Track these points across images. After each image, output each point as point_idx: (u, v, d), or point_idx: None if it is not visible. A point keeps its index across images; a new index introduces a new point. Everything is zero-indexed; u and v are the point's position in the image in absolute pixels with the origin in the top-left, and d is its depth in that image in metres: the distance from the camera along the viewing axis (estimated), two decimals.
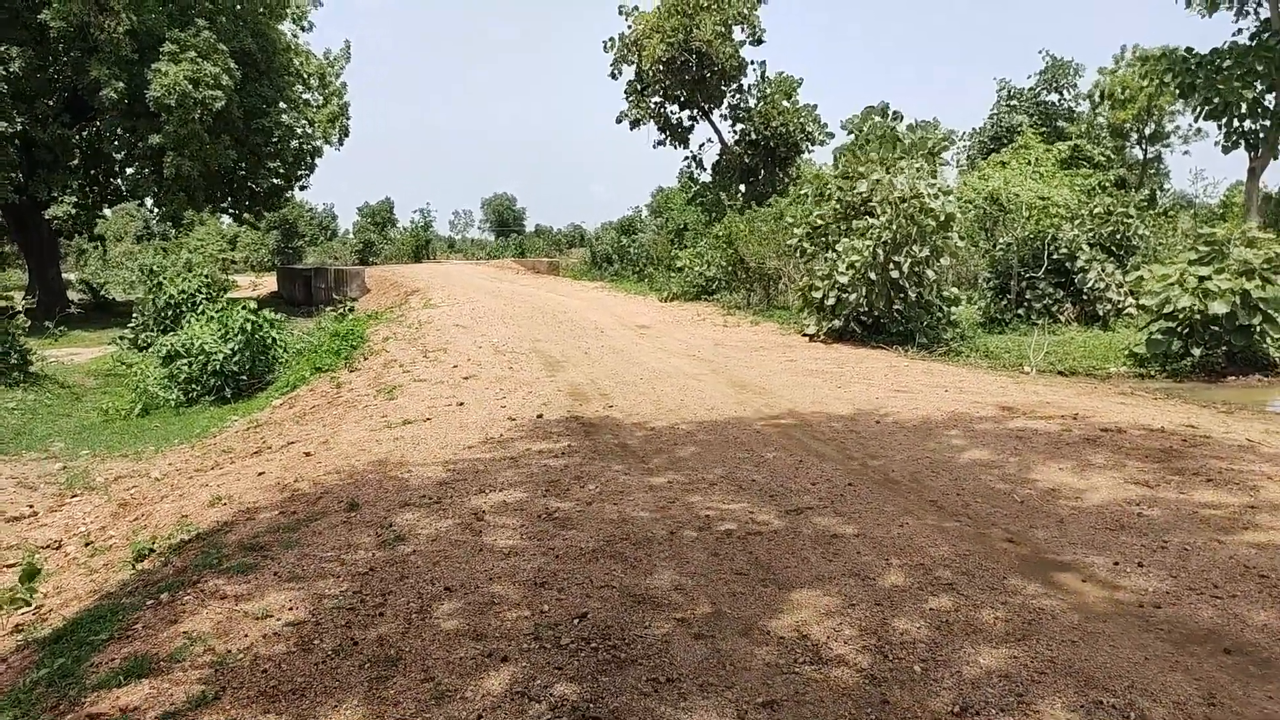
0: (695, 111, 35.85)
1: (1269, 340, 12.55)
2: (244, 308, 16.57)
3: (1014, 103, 44.48)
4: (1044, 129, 39.19)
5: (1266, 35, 21.94)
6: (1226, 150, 25.04)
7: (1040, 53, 52.91)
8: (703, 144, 37.15)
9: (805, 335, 16.52)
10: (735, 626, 4.29)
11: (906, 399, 10.31)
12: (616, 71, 35.56)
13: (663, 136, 36.54)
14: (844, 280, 15.58)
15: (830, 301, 15.91)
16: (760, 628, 4.26)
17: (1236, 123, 23.84)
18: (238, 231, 63.50)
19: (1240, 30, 25.02)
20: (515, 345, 15.43)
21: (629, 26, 34.38)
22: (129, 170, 33.10)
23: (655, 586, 4.80)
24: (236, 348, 15.53)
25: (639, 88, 35.03)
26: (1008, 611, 4.36)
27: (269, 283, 40.80)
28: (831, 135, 34.90)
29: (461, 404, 10.53)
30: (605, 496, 6.51)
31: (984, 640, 4.06)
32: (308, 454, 8.68)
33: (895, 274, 15.14)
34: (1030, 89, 44.52)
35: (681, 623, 4.34)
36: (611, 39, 35.03)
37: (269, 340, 16.36)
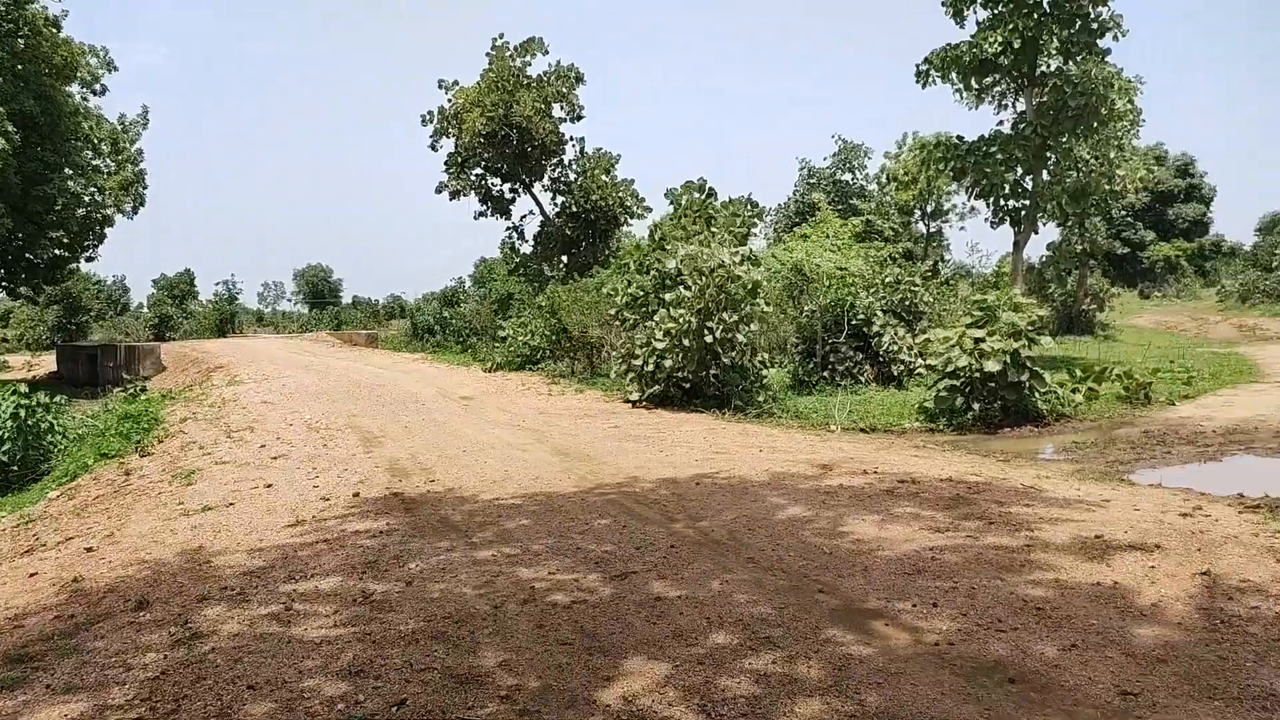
0: (516, 184, 36.30)
1: (1037, 395, 13.97)
2: (14, 391, 14.93)
3: (813, 180, 48.02)
4: (840, 205, 42.46)
5: (1023, 126, 24.94)
6: (994, 226, 28.02)
7: (834, 137, 57.67)
8: (524, 216, 37.55)
9: (628, 401, 16.81)
10: (562, 699, 4.23)
11: (725, 460, 10.67)
12: (436, 144, 35.57)
13: (484, 208, 36.69)
14: (661, 346, 16.07)
15: (650, 368, 16.33)
16: (587, 698, 4.23)
17: (1002, 202, 26.78)
18: (11, 307, 57.54)
19: (1002, 121, 28.36)
20: (329, 421, 14.76)
21: (449, 100, 34.58)
22: None
23: (479, 665, 4.67)
24: (4, 436, 13.93)
25: (459, 160, 35.14)
26: (821, 660, 4.55)
27: (48, 362, 37.03)
28: (650, 209, 36.26)
29: (270, 486, 9.91)
30: (427, 575, 6.30)
31: (801, 691, 4.21)
32: (89, 549, 7.87)
33: (709, 339, 15.78)
34: (827, 169, 48.28)
35: (506, 700, 4.24)
36: (430, 112, 35.09)
37: (44, 426, 14.79)
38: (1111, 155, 24.39)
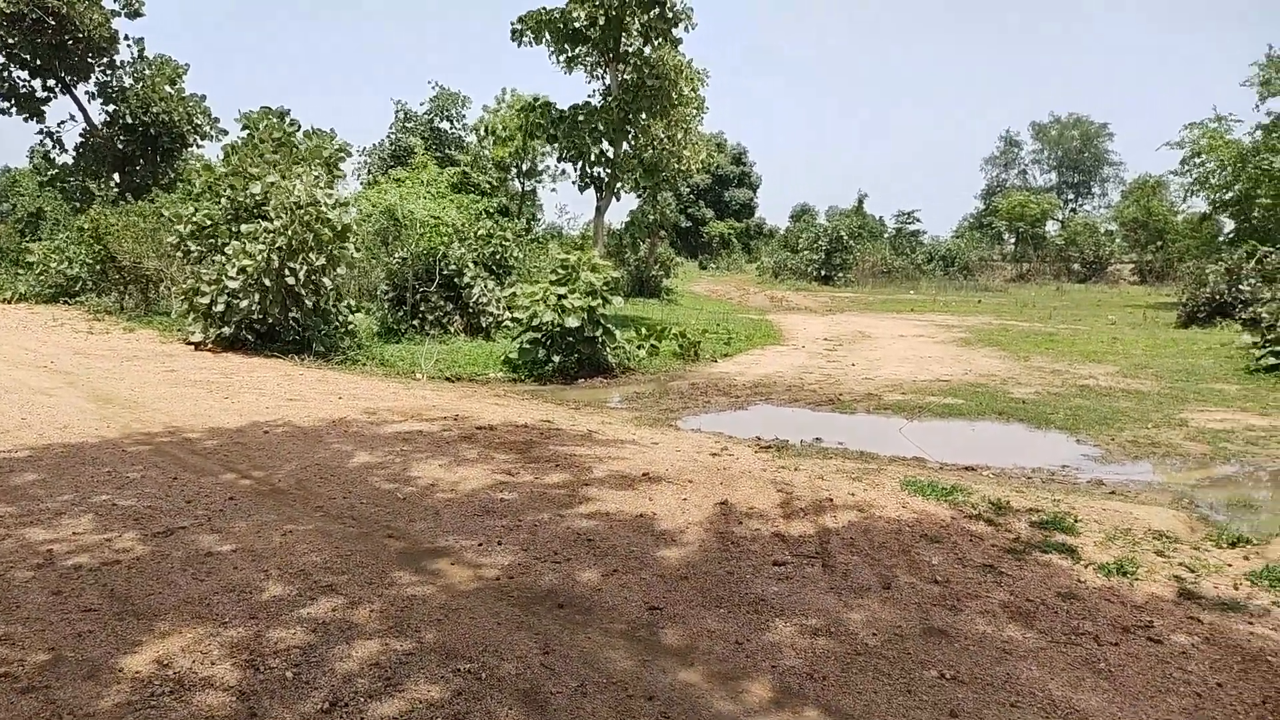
0: (53, 82, 30.35)
1: (608, 349, 15.24)
2: None
3: (410, 124, 46.83)
4: (438, 154, 42.00)
5: (609, 99, 26.67)
6: (581, 189, 29.78)
7: (430, 83, 56.63)
8: (63, 121, 31.54)
9: (190, 343, 15.14)
10: (79, 671, 3.73)
11: (299, 407, 10.12)
12: None
13: (7, 105, 30.17)
14: (235, 285, 14.67)
15: (219, 308, 14.84)
16: (111, 666, 3.78)
17: (588, 168, 28.51)
18: None
19: (594, 92, 30.03)
20: None
21: None
22: None
23: None
24: None
25: None
26: (383, 603, 4.56)
27: None
28: (225, 131, 32.60)
29: None
30: None
31: (359, 635, 4.18)
32: None
33: (291, 281, 14.74)
34: (425, 114, 47.35)
35: (6, 678, 3.63)
36: None
37: None
38: (680, 136, 27.09)
